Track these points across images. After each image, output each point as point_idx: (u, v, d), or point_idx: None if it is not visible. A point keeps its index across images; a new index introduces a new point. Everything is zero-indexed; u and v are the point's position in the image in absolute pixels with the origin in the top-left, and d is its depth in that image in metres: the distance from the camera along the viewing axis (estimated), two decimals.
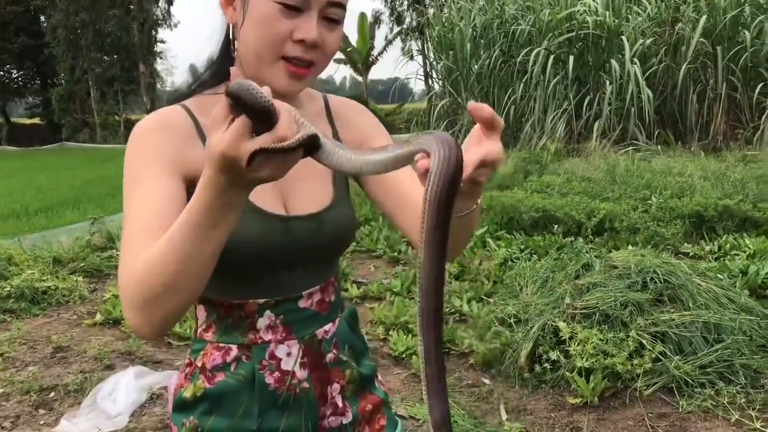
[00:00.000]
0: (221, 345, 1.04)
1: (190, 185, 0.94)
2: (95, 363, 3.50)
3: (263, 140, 0.69)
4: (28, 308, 4.51)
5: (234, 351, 1.04)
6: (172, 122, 0.99)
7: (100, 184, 12.16)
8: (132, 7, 29.63)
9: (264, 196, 1.00)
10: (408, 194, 1.05)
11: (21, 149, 28.26)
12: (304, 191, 1.05)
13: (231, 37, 1.02)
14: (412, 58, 19.54)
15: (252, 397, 1.03)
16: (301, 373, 1.06)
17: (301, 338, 1.06)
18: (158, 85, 34.05)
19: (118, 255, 5.82)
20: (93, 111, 29.84)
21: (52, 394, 3.15)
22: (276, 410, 1.04)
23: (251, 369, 1.03)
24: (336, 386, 1.10)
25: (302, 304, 1.06)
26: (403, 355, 3.44)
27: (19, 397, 3.10)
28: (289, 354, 1.05)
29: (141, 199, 0.90)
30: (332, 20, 0.97)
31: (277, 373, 1.04)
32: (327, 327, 1.09)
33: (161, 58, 35.51)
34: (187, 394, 1.05)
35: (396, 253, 5.45)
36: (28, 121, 40.68)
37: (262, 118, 0.69)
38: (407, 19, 28.46)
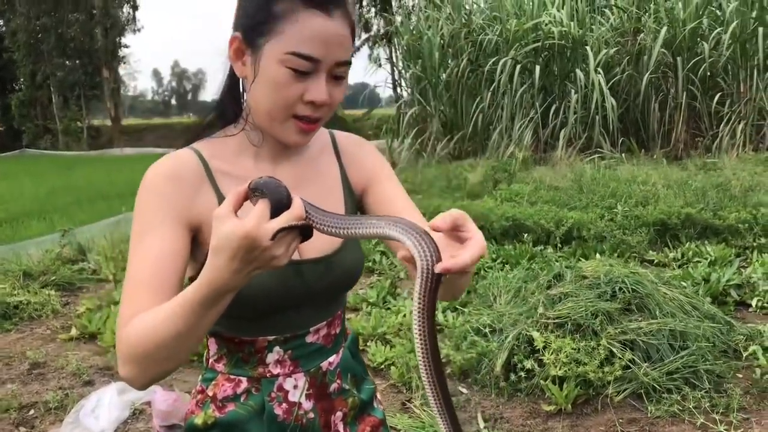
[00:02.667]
0: (232, 377, 1.10)
1: (195, 230, 1.02)
2: (74, 379, 3.49)
3: (284, 219, 0.80)
4: None
5: (244, 383, 1.10)
6: (182, 172, 1.03)
7: (66, 193, 11.99)
8: (95, 11, 29.17)
9: None
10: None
11: None
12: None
13: (241, 90, 1.06)
14: (380, 66, 19.64)
15: (261, 426, 1.09)
16: (307, 404, 1.12)
17: (307, 371, 1.12)
18: (121, 90, 33.61)
19: (89, 267, 5.75)
20: (55, 117, 29.26)
21: (32, 411, 3.14)
22: None
23: (261, 401, 1.09)
24: (339, 414, 1.17)
25: (309, 339, 1.12)
26: (382, 366, 3.51)
27: None
28: (295, 386, 1.11)
29: (144, 254, 0.97)
30: (338, 77, 1.01)
31: (284, 405, 1.10)
32: (331, 358, 1.15)
33: (125, 62, 35.04)
34: (198, 421, 1.11)
35: (370, 263, 5.52)
36: None
37: (280, 209, 0.81)
38: (374, 27, 28.63)
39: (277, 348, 1.09)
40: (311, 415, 1.12)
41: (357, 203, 1.19)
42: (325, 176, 1.15)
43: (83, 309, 4.69)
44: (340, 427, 1.17)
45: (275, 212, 0.80)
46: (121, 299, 0.97)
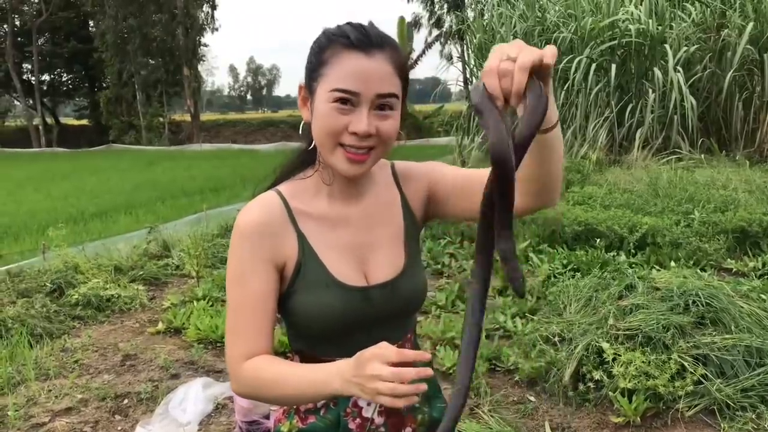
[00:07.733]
0: None
1: (281, 267, 1.16)
2: (162, 372, 3.74)
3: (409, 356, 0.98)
4: (94, 315, 4.80)
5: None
6: (270, 219, 1.16)
7: (149, 188, 12.60)
8: (177, 12, 30.36)
9: (346, 270, 1.17)
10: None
11: (71, 151, 29.24)
12: (380, 258, 1.21)
13: (309, 131, 1.17)
14: (452, 63, 19.61)
15: None
16: (379, 420, 1.23)
17: None
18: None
19: (173, 263, 6.06)
20: (139, 113, 30.69)
21: (126, 401, 3.40)
22: None
23: (337, 415, 1.22)
24: (408, 430, 1.27)
25: None
26: (451, 371, 3.58)
27: (96, 403, 3.36)
28: (369, 403, 1.22)
29: (243, 296, 1.14)
30: (384, 109, 1.10)
31: (358, 420, 1.22)
32: None
33: (203, 60, 36.28)
34: (284, 428, 1.25)
35: (439, 266, 5.60)
36: (75, 123, 41.99)
37: None
38: (446, 23, 28.55)
39: None
40: (382, 429, 1.23)
41: (418, 224, 1.29)
42: (391, 210, 1.25)
43: (168, 304, 4.99)
44: None
45: None
46: (229, 334, 1.15)
